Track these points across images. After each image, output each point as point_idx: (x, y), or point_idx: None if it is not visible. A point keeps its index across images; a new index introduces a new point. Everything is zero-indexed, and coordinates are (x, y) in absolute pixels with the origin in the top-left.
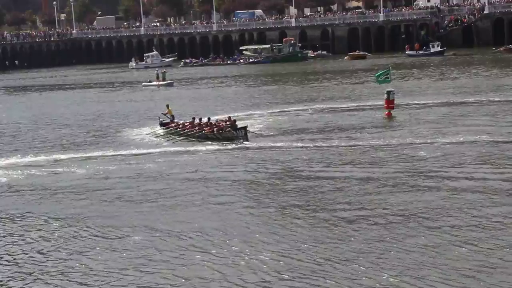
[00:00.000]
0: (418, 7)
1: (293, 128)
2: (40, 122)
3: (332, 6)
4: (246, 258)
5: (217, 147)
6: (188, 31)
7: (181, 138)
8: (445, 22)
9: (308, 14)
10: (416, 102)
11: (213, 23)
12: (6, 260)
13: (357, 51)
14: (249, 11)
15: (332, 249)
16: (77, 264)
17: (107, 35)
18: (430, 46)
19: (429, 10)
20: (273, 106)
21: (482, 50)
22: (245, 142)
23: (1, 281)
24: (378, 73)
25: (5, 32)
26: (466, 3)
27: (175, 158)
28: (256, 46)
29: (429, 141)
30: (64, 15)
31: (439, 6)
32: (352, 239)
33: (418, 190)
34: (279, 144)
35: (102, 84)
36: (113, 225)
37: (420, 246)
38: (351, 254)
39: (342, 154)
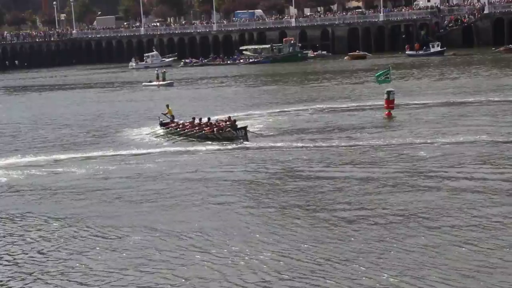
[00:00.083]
0: (418, 7)
1: (293, 128)
2: (40, 122)
3: (332, 6)
4: (246, 258)
5: (217, 147)
6: (188, 31)
7: (181, 138)
8: (445, 22)
9: (308, 14)
10: (416, 102)
11: (213, 23)
12: (6, 260)
13: (357, 51)
14: (249, 11)
15: (332, 249)
16: (77, 264)
17: (107, 35)
18: (430, 46)
19: (429, 10)
20: (273, 106)
21: (482, 50)
22: (245, 142)
23: (1, 281)
24: (378, 73)
25: (5, 32)
26: (466, 3)
27: (175, 158)
28: (256, 46)
29: (429, 141)
30: (64, 15)
31: (439, 6)
32: (352, 239)
33: (418, 190)
34: (279, 144)
35: (102, 84)
36: (113, 225)
37: (420, 246)
38: (351, 254)
39: (342, 154)
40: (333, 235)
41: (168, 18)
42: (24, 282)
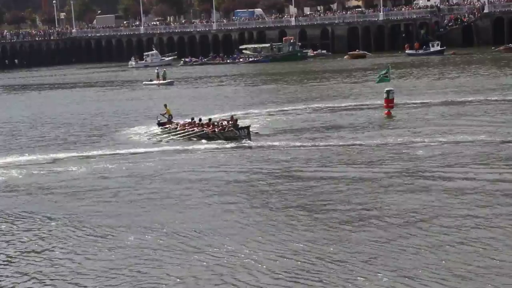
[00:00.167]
0: (418, 6)
1: (293, 127)
2: (40, 121)
3: (332, 5)
4: (245, 258)
5: (218, 146)
6: (188, 30)
7: (182, 137)
8: (445, 21)
9: (308, 13)
10: (415, 101)
11: (213, 22)
12: (4, 260)
13: (357, 50)
14: (249, 10)
15: (329, 249)
16: (74, 264)
17: (106, 34)
18: (430, 45)
19: (429, 9)
20: (272, 105)
21: (482, 49)
22: (247, 142)
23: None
24: (379, 74)
25: (5, 30)
26: (466, 2)
27: (174, 158)
28: (256, 45)
29: (428, 140)
30: (64, 14)
31: (439, 5)
32: (351, 239)
33: (417, 190)
34: (279, 143)
35: (101, 83)
36: (111, 224)
37: (419, 246)
38: (350, 254)
39: (342, 153)
40: (331, 235)
41: (168, 17)
42: (23, 282)
